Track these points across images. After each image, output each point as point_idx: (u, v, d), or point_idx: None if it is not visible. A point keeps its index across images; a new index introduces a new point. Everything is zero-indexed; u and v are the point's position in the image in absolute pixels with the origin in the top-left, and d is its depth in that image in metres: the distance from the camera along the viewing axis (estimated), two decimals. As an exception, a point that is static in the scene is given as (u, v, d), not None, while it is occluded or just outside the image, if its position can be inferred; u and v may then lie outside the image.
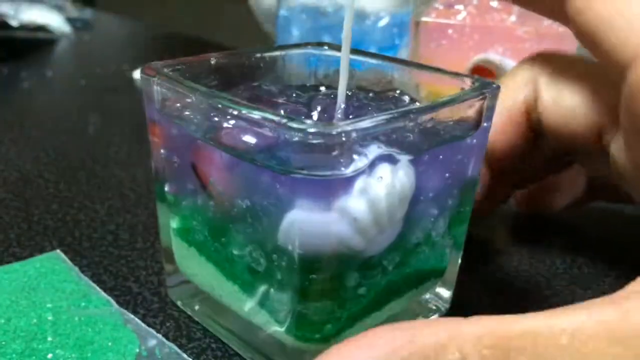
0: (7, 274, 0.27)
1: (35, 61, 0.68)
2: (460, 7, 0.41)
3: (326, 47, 0.27)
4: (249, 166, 0.19)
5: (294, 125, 0.17)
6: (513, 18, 0.39)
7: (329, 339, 0.21)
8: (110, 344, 0.23)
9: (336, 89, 0.22)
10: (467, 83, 0.23)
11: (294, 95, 0.23)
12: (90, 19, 0.90)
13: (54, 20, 0.78)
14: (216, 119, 0.20)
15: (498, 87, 0.22)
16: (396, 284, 0.23)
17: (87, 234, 0.31)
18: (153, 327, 0.24)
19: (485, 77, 0.39)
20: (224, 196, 0.21)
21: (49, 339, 0.23)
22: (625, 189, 0.26)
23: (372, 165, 0.19)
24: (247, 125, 0.19)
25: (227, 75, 0.25)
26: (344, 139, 0.17)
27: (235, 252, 0.21)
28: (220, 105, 0.19)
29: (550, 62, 0.26)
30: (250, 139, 0.19)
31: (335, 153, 0.18)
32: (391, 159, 0.19)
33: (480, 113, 0.22)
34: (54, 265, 0.27)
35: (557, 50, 0.28)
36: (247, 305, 0.22)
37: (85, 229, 0.32)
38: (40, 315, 0.24)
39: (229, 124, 0.20)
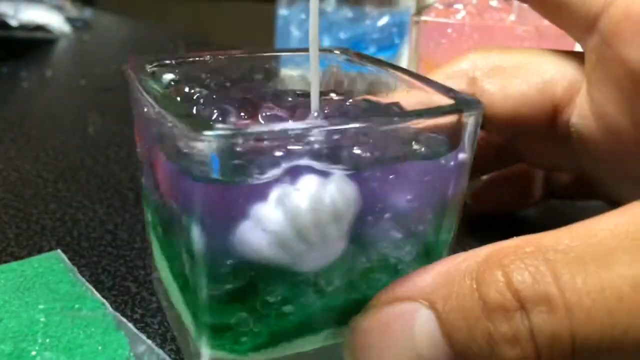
0: (3, 273, 0.27)
1: (34, 61, 0.68)
2: (459, 6, 0.41)
3: (347, 55, 0.26)
4: (172, 167, 0.19)
5: (183, 126, 0.17)
6: (512, 17, 0.39)
7: (246, 352, 0.20)
8: (100, 348, 0.23)
9: (342, 95, 0.21)
10: (443, 97, 0.21)
11: (288, 99, 0.23)
12: (89, 18, 0.90)
13: (53, 20, 0.78)
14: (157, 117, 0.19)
15: (480, 106, 0.20)
16: (341, 309, 0.21)
17: (86, 233, 0.31)
18: (151, 327, 0.24)
19: None
20: (164, 196, 0.21)
21: (39, 340, 0.23)
22: (588, 171, 0.26)
23: (291, 175, 0.18)
24: (162, 123, 0.18)
25: (228, 76, 0.25)
26: (251, 144, 0.17)
27: (174, 252, 0.21)
28: (155, 102, 0.19)
29: (488, 54, 0.26)
30: (165, 138, 0.19)
31: (241, 159, 0.17)
32: (318, 171, 0.18)
33: (455, 133, 0.20)
34: (52, 266, 0.27)
35: (490, 46, 0.28)
36: (180, 308, 0.22)
37: (83, 229, 0.32)
38: (32, 316, 0.24)
39: (162, 122, 0.19)
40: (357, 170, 0.18)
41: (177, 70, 0.24)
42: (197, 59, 0.25)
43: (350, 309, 0.20)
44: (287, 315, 0.20)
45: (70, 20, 0.83)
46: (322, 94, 0.22)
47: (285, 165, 0.18)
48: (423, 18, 0.40)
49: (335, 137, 0.18)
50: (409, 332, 0.17)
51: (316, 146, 0.18)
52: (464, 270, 0.16)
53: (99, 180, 0.38)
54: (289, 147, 0.18)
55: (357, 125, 0.18)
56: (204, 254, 0.18)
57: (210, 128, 0.17)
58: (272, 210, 0.18)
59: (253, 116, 0.21)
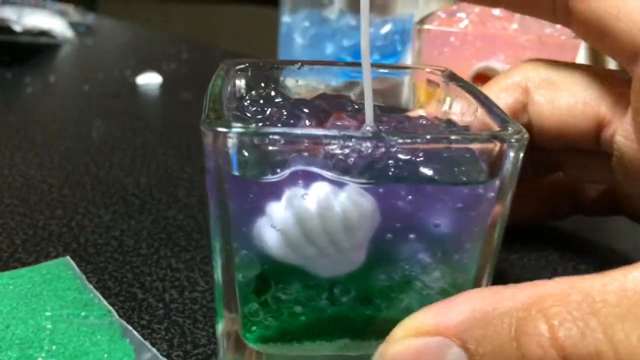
0: (12, 279, 0.27)
1: (38, 66, 0.69)
2: (462, 14, 0.41)
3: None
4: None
5: (206, 123, 0.18)
6: (515, 26, 0.40)
7: (255, 342, 0.21)
8: (105, 355, 0.23)
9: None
10: (494, 123, 0.20)
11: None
12: (92, 24, 0.91)
13: (57, 25, 0.78)
14: None
15: (524, 137, 0.19)
16: (356, 322, 0.21)
17: (92, 239, 0.31)
18: (158, 334, 0.25)
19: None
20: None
21: (45, 347, 0.23)
22: (624, 187, 0.26)
23: (304, 179, 0.18)
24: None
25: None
26: (265, 143, 0.18)
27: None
28: None
29: (539, 67, 0.27)
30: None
31: (255, 156, 0.18)
32: (332, 180, 0.18)
33: (495, 162, 0.19)
34: (60, 272, 0.28)
35: (543, 58, 0.29)
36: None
37: (90, 235, 0.32)
38: (39, 323, 0.24)
39: None
40: (376, 185, 0.19)
41: (267, 75, 0.25)
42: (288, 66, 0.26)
43: (366, 323, 0.21)
44: (298, 315, 0.20)
45: (73, 25, 0.84)
46: (399, 110, 0.24)
47: (297, 168, 0.18)
48: (426, 27, 0.40)
49: (352, 147, 0.18)
50: None
51: (332, 155, 0.18)
52: (502, 312, 0.15)
53: (104, 186, 0.38)
54: (304, 152, 0.18)
55: (382, 141, 0.18)
56: (219, 242, 0.20)
57: (227, 126, 0.18)
58: (282, 209, 0.19)
59: (319, 124, 0.22)
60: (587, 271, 0.32)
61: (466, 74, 0.39)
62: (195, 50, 0.81)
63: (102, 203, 0.36)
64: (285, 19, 0.55)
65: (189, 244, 0.32)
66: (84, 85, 0.62)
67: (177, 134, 0.48)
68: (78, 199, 0.36)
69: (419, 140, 0.19)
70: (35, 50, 0.73)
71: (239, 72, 0.25)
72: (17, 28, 0.71)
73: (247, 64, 0.25)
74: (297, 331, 0.21)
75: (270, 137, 0.18)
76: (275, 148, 0.18)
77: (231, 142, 0.18)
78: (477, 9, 0.41)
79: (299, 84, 0.26)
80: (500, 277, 0.30)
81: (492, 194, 0.19)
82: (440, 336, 0.16)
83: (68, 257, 0.29)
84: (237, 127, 0.18)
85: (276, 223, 0.19)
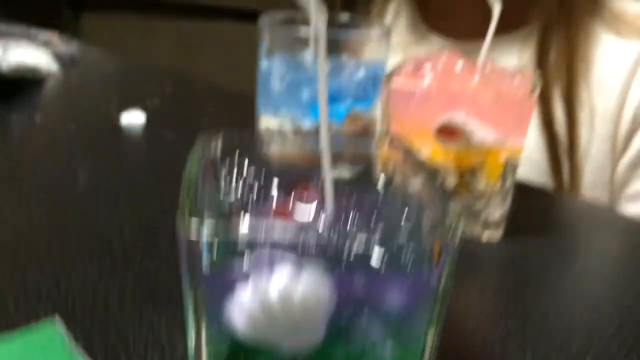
0: (3, 345, 0.29)
1: (23, 104, 0.70)
2: (427, 67, 0.44)
3: None
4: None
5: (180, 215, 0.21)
6: (476, 80, 0.42)
7: None
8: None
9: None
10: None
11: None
12: (76, 54, 0.92)
13: (42, 59, 0.80)
14: None
15: (461, 232, 0.22)
16: None
17: (79, 298, 0.34)
18: (141, 396, 0.27)
19: (450, 136, 0.42)
20: None
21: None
22: None
23: (269, 266, 0.21)
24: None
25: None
26: (233, 236, 0.21)
27: None
28: None
29: None
30: None
31: (225, 248, 0.21)
32: (294, 266, 0.21)
33: (436, 252, 0.22)
34: (49, 335, 0.30)
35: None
36: None
37: (77, 293, 0.34)
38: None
39: None
40: (331, 271, 0.21)
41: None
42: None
43: None
44: None
45: (57, 56, 0.86)
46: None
47: (262, 256, 0.21)
48: (393, 85, 0.43)
49: (310, 236, 0.21)
50: None
51: (292, 244, 0.21)
52: None
53: (90, 238, 0.40)
54: (267, 242, 0.21)
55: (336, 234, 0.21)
56: (195, 322, 0.23)
57: (199, 220, 0.21)
58: (248, 296, 0.22)
59: (287, 195, 0.25)
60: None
61: (431, 126, 0.42)
62: (178, 83, 0.83)
63: (89, 258, 0.38)
64: (263, 62, 0.58)
65: (170, 300, 0.34)
66: (69, 124, 0.64)
67: (160, 178, 0.51)
68: (65, 255, 0.38)
69: (369, 236, 0.21)
70: (20, 85, 0.75)
71: (214, 145, 0.28)
72: (3, 66, 0.73)
73: (221, 138, 0.28)
74: None
75: (237, 231, 0.21)
76: (241, 241, 0.21)
77: (202, 234, 0.21)
78: (443, 59, 0.44)
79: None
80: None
81: (435, 278, 0.22)
82: None
83: (56, 318, 0.31)
84: (208, 221, 0.21)
85: (243, 308, 0.22)
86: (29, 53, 0.79)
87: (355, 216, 0.24)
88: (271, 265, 0.21)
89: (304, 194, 0.25)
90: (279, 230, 0.21)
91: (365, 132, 0.53)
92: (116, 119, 0.65)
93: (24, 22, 0.93)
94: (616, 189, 0.68)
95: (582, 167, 0.66)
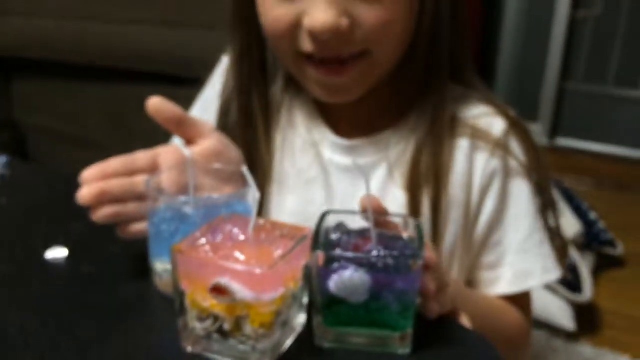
0: None
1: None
2: (213, 235, 0.60)
3: None
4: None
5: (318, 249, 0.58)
6: (237, 254, 0.59)
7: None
8: None
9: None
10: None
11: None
12: (7, 172, 0.96)
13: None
14: None
15: (422, 257, 0.58)
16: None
17: None
18: None
19: (221, 294, 0.58)
20: None
21: None
22: None
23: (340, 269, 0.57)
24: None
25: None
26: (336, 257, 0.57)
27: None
28: None
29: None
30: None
31: (333, 261, 0.59)
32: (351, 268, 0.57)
33: (414, 263, 0.57)
34: None
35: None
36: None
37: None
38: None
39: None
40: (370, 270, 0.57)
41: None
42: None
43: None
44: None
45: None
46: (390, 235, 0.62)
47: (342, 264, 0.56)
48: (183, 250, 0.59)
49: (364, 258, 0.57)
50: None
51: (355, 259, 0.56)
52: None
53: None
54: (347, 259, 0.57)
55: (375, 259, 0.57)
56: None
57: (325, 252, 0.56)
58: (334, 280, 0.52)
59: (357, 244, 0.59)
60: None
61: (208, 284, 0.57)
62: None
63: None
64: (151, 207, 0.64)
65: None
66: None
67: (79, 319, 0.61)
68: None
69: (388, 260, 0.56)
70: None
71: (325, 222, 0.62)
72: None
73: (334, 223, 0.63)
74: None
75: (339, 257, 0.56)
76: (340, 260, 0.56)
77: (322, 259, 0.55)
78: (229, 228, 0.60)
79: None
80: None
81: (417, 273, 0.56)
82: None
83: None
84: (326, 252, 0.55)
85: (336, 282, 0.56)
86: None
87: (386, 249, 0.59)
88: (345, 267, 0.55)
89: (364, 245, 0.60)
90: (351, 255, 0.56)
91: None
92: (42, 255, 0.71)
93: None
94: (474, 255, 0.84)
95: (442, 232, 0.82)
